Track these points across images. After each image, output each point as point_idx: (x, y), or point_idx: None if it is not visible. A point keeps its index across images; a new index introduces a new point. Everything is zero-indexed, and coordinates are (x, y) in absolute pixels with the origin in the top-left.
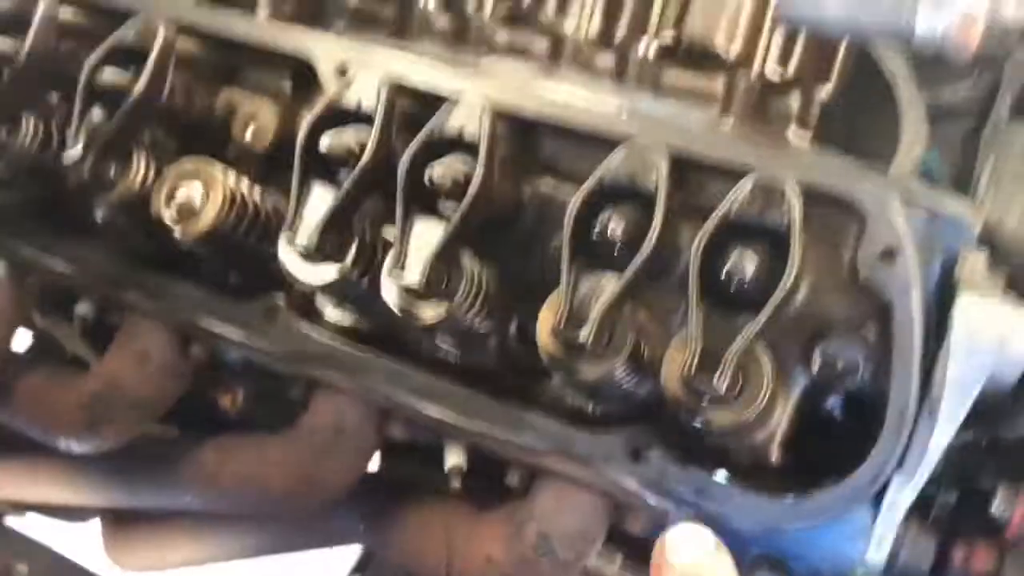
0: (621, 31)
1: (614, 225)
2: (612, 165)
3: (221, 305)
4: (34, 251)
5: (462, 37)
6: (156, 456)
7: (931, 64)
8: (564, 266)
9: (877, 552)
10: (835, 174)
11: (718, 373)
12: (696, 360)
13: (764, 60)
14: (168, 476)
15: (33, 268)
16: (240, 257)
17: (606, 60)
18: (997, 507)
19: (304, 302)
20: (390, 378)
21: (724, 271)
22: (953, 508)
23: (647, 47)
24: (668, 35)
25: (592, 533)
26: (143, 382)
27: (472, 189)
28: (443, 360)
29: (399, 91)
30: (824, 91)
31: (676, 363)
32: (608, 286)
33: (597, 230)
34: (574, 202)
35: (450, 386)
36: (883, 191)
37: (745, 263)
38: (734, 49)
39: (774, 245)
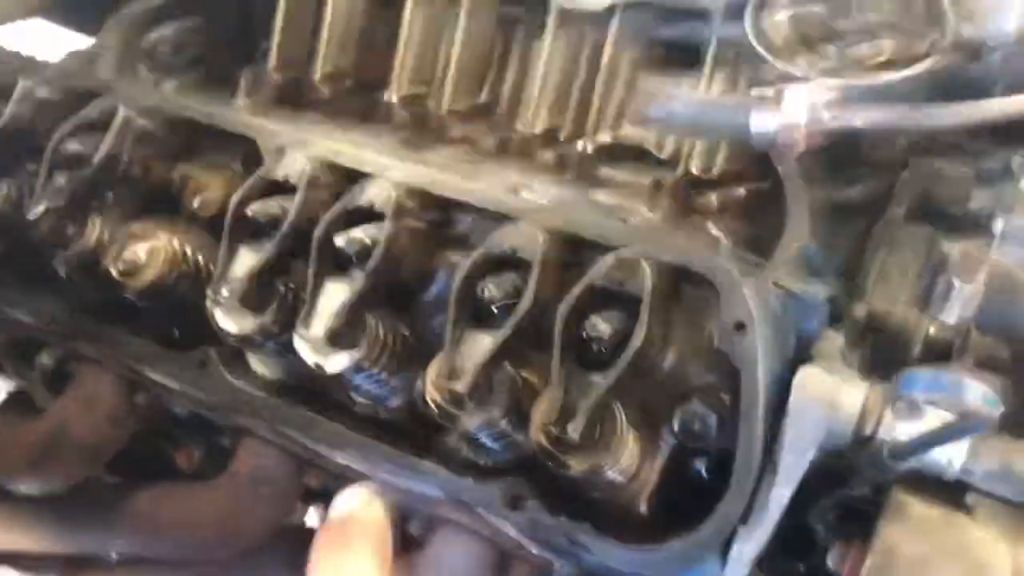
0: (564, 130)
1: (493, 290)
2: (498, 238)
3: (161, 356)
4: (0, 305)
5: (420, 129)
6: (97, 501)
7: (831, 166)
8: (449, 325)
9: None
10: (696, 254)
11: (573, 422)
12: (556, 411)
13: (689, 160)
14: (106, 520)
15: None
16: (180, 311)
17: (548, 155)
18: (831, 561)
19: (234, 355)
20: (305, 427)
21: (584, 333)
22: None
23: (585, 145)
24: (605, 135)
25: None
26: (90, 427)
27: (376, 253)
28: (355, 412)
29: (325, 168)
30: (742, 190)
31: (541, 413)
32: (485, 344)
33: (480, 296)
34: (461, 268)
35: (359, 436)
36: (734, 270)
37: (601, 326)
38: (664, 150)
39: (634, 313)
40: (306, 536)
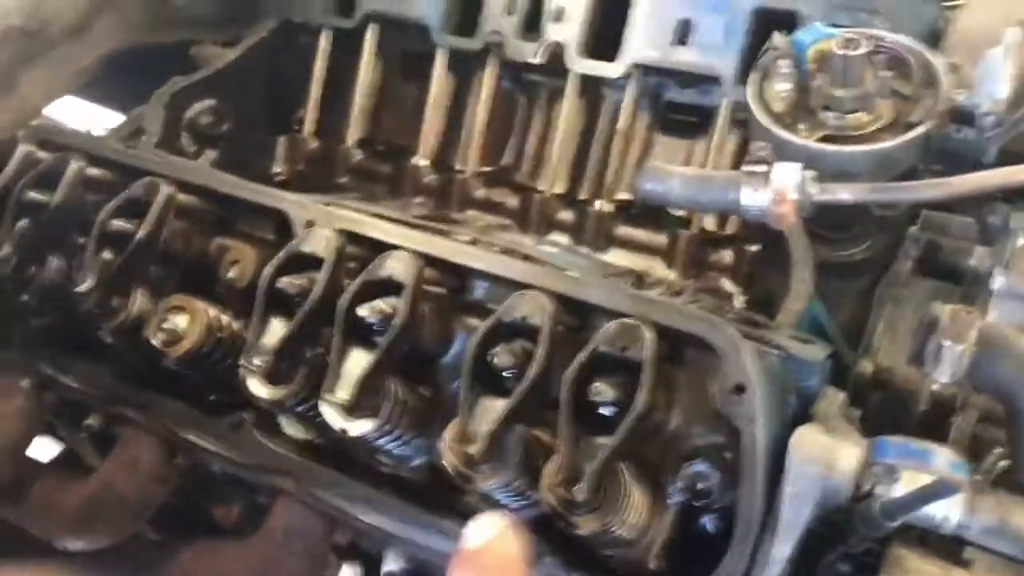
0: (583, 191)
1: (503, 357)
2: (509, 307)
3: (199, 419)
4: (53, 370)
5: (446, 193)
6: (138, 559)
7: (838, 225)
8: (462, 393)
9: None
10: (696, 321)
11: (579, 486)
12: (563, 475)
13: (703, 219)
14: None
15: (51, 385)
16: (216, 378)
17: (567, 215)
18: None
19: (267, 419)
20: (334, 487)
21: (589, 397)
22: None
23: (603, 204)
24: (623, 194)
25: None
26: (133, 485)
27: (396, 323)
28: (381, 472)
29: (349, 241)
30: (754, 247)
31: (548, 477)
32: (497, 409)
33: (491, 362)
34: (474, 337)
35: (385, 496)
36: (733, 335)
37: (605, 391)
38: (680, 209)
39: (637, 377)
40: None
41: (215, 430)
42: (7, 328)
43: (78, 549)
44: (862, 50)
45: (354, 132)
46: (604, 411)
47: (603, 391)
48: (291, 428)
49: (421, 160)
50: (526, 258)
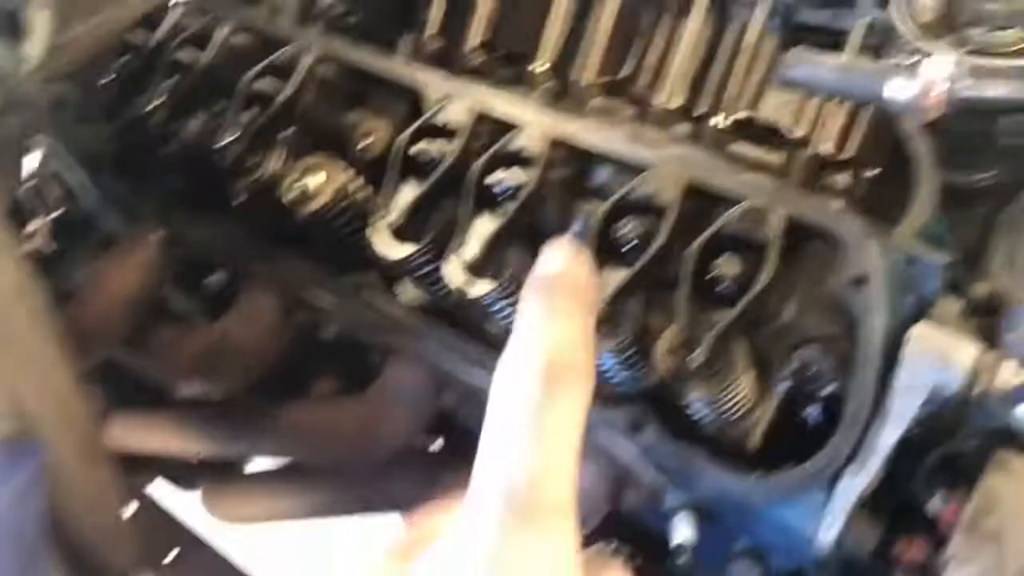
0: (700, 107)
1: (629, 228)
2: (639, 182)
3: (323, 277)
4: (184, 225)
5: (562, 100)
6: (248, 409)
7: (960, 151)
8: None
9: (826, 533)
10: (823, 211)
11: (695, 352)
12: (681, 339)
13: (823, 142)
14: (256, 425)
15: (180, 240)
16: (342, 241)
17: (682, 129)
18: (933, 506)
19: (387, 281)
20: (447, 347)
21: (711, 274)
22: (901, 507)
23: (721, 120)
24: (741, 115)
25: (597, 495)
26: (250, 338)
27: (523, 193)
28: (493, 335)
29: (482, 117)
30: (871, 172)
31: (666, 340)
32: (617, 277)
33: (617, 234)
34: (603, 208)
35: (496, 358)
36: (860, 227)
37: (730, 265)
38: (800, 130)
39: (760, 259)
40: (433, 460)
41: (337, 288)
42: (146, 181)
43: (192, 395)
44: None
45: (475, 35)
46: (723, 288)
47: (727, 265)
48: (410, 292)
49: (539, 66)
50: (654, 145)
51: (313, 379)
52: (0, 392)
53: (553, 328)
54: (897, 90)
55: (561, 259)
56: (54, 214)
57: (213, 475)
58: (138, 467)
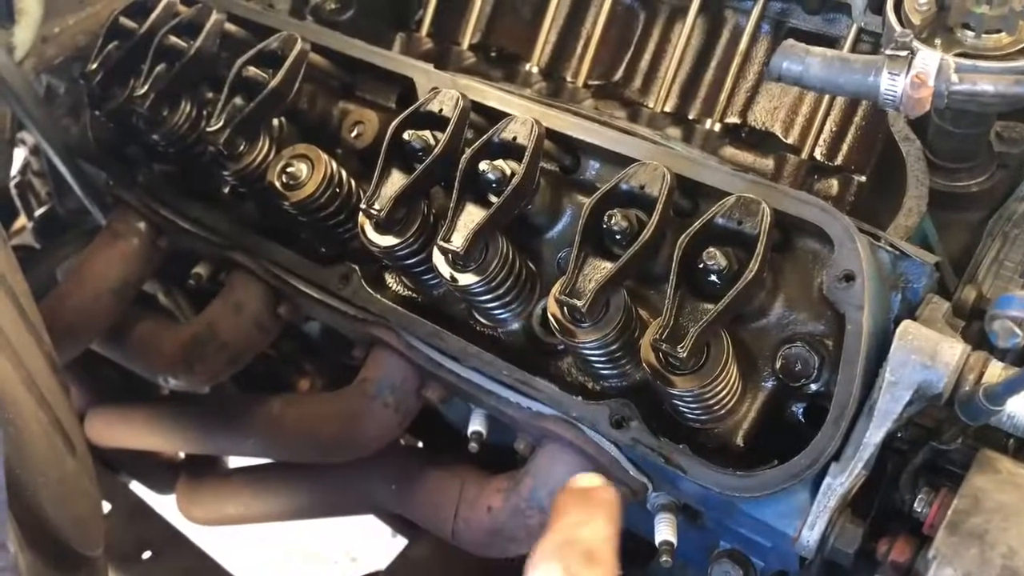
0: (693, 110)
1: (619, 219)
2: (629, 174)
3: (308, 267)
4: (170, 214)
5: (556, 97)
6: (232, 405)
7: (952, 156)
8: (574, 249)
9: (810, 531)
10: (812, 207)
11: (682, 342)
12: (668, 329)
13: (814, 147)
14: (239, 421)
15: (167, 229)
16: (329, 231)
17: (674, 131)
18: (917, 506)
19: (373, 272)
20: (431, 339)
21: (701, 264)
22: (884, 508)
23: (712, 124)
24: (733, 117)
25: None
26: (236, 328)
27: (515, 180)
28: (478, 331)
29: (472, 107)
30: (860, 178)
31: (653, 331)
32: (605, 268)
33: (606, 225)
34: (593, 198)
35: (479, 351)
36: (848, 224)
37: (719, 257)
38: (791, 136)
39: (748, 253)
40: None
41: (323, 278)
42: (131, 171)
43: (177, 387)
44: None
45: (470, 34)
46: (712, 278)
47: (716, 257)
48: (395, 284)
49: (533, 67)
50: (645, 140)
51: (294, 374)
52: None
53: (594, 527)
54: (887, 83)
55: (597, 479)
56: (40, 210)
57: (188, 476)
58: (116, 463)
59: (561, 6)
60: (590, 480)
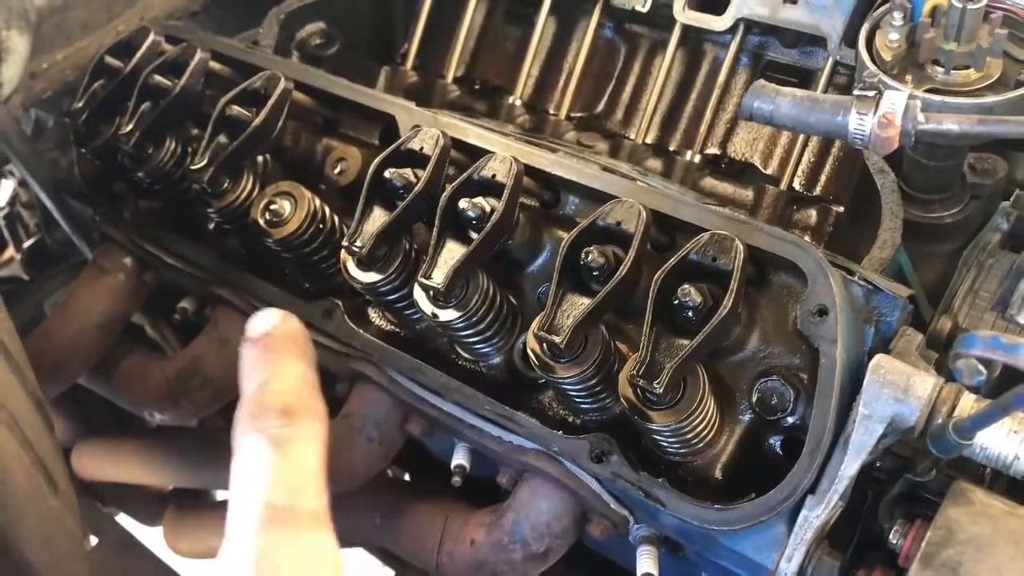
0: (673, 142)
1: (596, 255)
2: (606, 211)
3: (292, 303)
4: (156, 249)
5: (536, 131)
6: (216, 439)
7: (926, 188)
8: (553, 286)
9: (788, 563)
10: (785, 243)
11: (659, 378)
12: (644, 367)
13: (792, 178)
14: (226, 455)
15: (152, 264)
16: (312, 266)
17: (655, 163)
18: (892, 537)
19: (357, 307)
20: (412, 373)
21: (676, 300)
22: (865, 538)
23: (693, 155)
24: (713, 149)
25: (559, 527)
26: (220, 364)
27: (494, 217)
28: (460, 365)
29: (452, 144)
30: (838, 209)
31: (630, 366)
32: (584, 304)
33: (583, 261)
34: (570, 236)
35: (461, 385)
36: (821, 259)
37: (694, 293)
38: (770, 167)
39: (723, 289)
40: (396, 490)
41: (307, 313)
42: (118, 207)
43: (163, 421)
44: (980, 3)
45: (455, 68)
46: (688, 314)
47: (691, 293)
48: (378, 319)
49: (516, 100)
50: (623, 177)
51: None
52: None
53: (282, 376)
54: (855, 123)
55: (273, 316)
56: (29, 242)
57: (175, 508)
58: (104, 497)
59: (543, 40)
60: (263, 323)
